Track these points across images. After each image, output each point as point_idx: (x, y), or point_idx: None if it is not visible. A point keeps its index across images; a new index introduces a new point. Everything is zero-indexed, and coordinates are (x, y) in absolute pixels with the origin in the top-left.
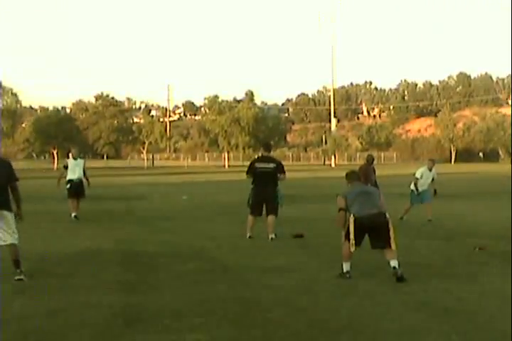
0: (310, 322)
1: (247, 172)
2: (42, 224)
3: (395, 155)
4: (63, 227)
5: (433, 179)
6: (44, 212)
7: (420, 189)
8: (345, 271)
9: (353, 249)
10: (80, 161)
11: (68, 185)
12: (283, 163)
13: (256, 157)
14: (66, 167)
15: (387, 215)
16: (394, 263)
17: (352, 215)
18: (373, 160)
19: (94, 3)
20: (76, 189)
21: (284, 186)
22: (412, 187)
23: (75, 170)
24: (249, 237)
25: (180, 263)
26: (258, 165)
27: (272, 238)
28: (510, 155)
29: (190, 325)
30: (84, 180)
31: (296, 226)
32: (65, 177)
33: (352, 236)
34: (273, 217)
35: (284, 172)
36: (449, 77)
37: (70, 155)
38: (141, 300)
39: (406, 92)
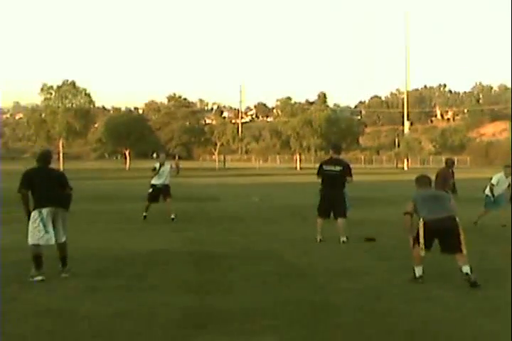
0: (381, 327)
1: (318, 174)
2: (114, 224)
3: (468, 159)
4: (135, 227)
5: (509, 185)
6: (117, 212)
7: (496, 194)
8: (417, 275)
9: (423, 253)
10: (167, 166)
11: (151, 190)
12: (354, 165)
13: (326, 159)
14: (155, 169)
15: (457, 219)
16: (466, 269)
17: (421, 219)
18: (453, 163)
19: (168, 4)
20: (158, 194)
21: (357, 189)
22: (488, 192)
23: (161, 175)
24: (320, 240)
25: (250, 265)
26: (326, 167)
27: (343, 241)
28: None
29: (261, 327)
30: (167, 183)
31: (368, 229)
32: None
33: (422, 240)
34: (342, 220)
35: (351, 175)
36: None
37: (158, 160)
38: (212, 302)
39: (481, 95)
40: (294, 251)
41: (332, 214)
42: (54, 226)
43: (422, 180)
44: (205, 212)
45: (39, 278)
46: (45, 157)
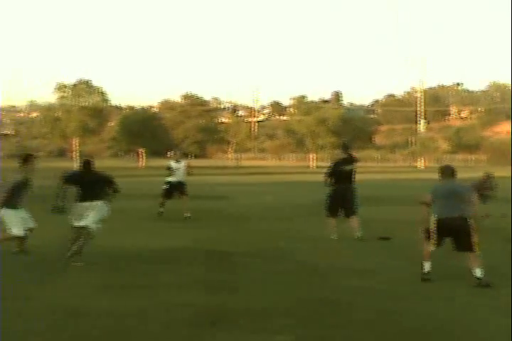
0: (392, 325)
1: (327, 174)
2: (128, 223)
3: (483, 157)
4: (149, 226)
5: None
6: (130, 210)
7: None
8: (426, 271)
9: (432, 248)
10: (182, 164)
11: (166, 186)
12: (369, 164)
13: (335, 158)
14: (169, 168)
15: (470, 220)
16: (478, 272)
17: (434, 215)
18: (490, 178)
19: (182, 4)
20: (172, 191)
21: (372, 187)
22: None
23: (176, 173)
24: (333, 239)
25: (263, 263)
26: (337, 166)
27: (357, 237)
28: None
29: (275, 326)
30: (183, 180)
31: (382, 227)
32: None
33: (432, 235)
34: (355, 218)
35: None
36: None
37: (173, 158)
38: (225, 300)
39: (496, 94)
40: (306, 249)
41: (343, 213)
42: (88, 215)
43: (446, 171)
44: (218, 211)
45: (74, 248)
46: (87, 163)
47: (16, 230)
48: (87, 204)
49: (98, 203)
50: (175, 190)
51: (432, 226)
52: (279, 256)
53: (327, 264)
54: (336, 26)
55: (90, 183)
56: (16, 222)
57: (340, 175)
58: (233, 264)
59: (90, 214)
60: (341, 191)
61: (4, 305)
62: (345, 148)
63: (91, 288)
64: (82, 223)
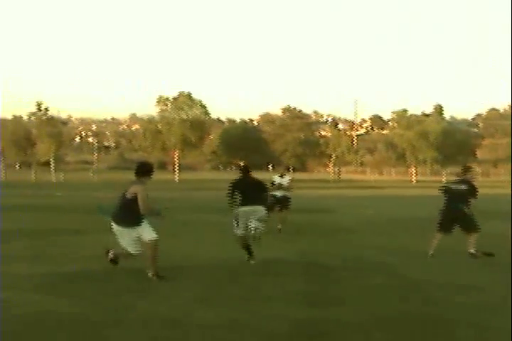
0: None
1: (441, 190)
2: (229, 234)
3: None
4: None
5: None
6: (230, 222)
7: None
8: None
9: None
10: (286, 178)
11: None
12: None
13: (451, 180)
14: (274, 183)
15: None
16: None
17: None
18: None
19: (281, 19)
20: (275, 204)
21: (478, 202)
22: None
23: (280, 187)
24: (431, 255)
25: (363, 277)
26: (451, 185)
27: (471, 253)
28: None
29: None
30: (289, 195)
31: (486, 243)
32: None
33: None
34: (474, 235)
35: (476, 197)
36: None
37: (278, 172)
38: (324, 314)
39: None
40: (407, 264)
41: (463, 229)
42: (251, 221)
43: None
44: (318, 224)
45: (252, 261)
46: (245, 169)
47: (130, 248)
48: (248, 208)
49: (259, 207)
50: (277, 203)
51: None
52: (380, 270)
53: (429, 279)
54: (439, 39)
55: (251, 188)
56: (128, 240)
57: (452, 195)
58: (334, 277)
59: (253, 220)
60: (451, 210)
61: (104, 314)
62: (465, 170)
63: (190, 299)
64: (247, 231)
